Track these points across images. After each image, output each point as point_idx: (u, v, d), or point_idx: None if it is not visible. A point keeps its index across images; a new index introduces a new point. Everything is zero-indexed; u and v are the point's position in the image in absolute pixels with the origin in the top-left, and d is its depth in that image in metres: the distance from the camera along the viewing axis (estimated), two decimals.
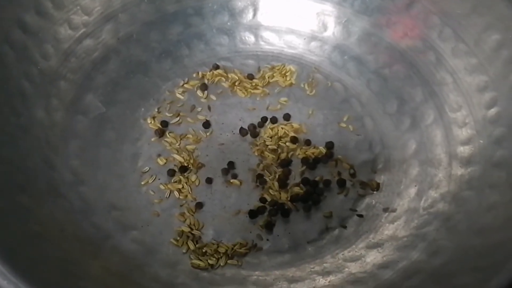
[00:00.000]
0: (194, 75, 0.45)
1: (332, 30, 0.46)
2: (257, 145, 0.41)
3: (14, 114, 0.34)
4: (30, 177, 0.32)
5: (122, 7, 0.42)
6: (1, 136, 0.32)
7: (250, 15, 0.47)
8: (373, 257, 0.34)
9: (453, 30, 0.39)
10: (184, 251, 0.35)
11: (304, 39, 0.46)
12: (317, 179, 0.39)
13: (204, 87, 0.44)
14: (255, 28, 0.47)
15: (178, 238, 0.36)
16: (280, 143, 0.41)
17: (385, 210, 0.36)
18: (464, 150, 0.36)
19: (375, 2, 0.43)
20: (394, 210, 0.36)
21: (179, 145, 0.41)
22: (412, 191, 0.37)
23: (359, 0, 0.44)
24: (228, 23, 0.46)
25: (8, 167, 0.31)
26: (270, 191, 0.38)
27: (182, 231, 0.36)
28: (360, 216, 0.37)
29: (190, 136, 0.41)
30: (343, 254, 0.35)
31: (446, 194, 0.35)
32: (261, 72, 0.45)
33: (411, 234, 0.34)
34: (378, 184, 0.38)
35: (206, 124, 0.42)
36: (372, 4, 0.44)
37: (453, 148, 0.37)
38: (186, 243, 0.35)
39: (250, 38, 0.47)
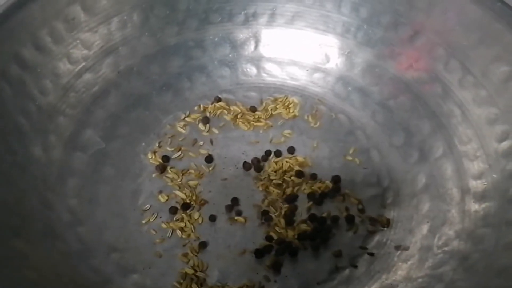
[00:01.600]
0: (196, 108, 0.44)
1: (335, 62, 0.45)
2: (261, 180, 0.40)
3: (10, 152, 0.33)
4: (26, 220, 0.31)
5: (122, 40, 0.42)
6: None
7: (251, 47, 0.46)
8: None
9: (460, 61, 0.38)
10: None
11: (307, 70, 0.46)
12: (324, 215, 0.37)
13: (206, 120, 0.43)
14: (257, 60, 0.46)
15: (182, 281, 0.34)
16: (285, 177, 0.40)
17: (397, 248, 0.35)
18: (477, 185, 0.35)
19: (378, 33, 0.43)
20: (406, 248, 0.35)
21: (181, 180, 0.39)
22: (425, 227, 0.35)
23: (362, 32, 0.44)
24: (230, 55, 0.46)
25: (2, 210, 0.30)
26: (277, 228, 0.37)
27: (186, 273, 0.34)
28: (371, 254, 0.35)
29: (192, 171, 0.40)
30: None
31: (460, 231, 0.33)
32: (264, 104, 0.44)
33: (427, 274, 0.32)
34: (388, 220, 0.37)
35: (209, 159, 0.41)
36: (375, 35, 0.43)
37: (465, 182, 0.36)
38: (190, 286, 0.34)
39: (252, 70, 0.46)
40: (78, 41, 0.39)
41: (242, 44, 0.46)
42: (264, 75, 0.46)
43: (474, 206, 0.34)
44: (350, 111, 0.44)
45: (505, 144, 0.34)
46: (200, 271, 0.34)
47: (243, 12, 0.45)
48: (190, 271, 0.34)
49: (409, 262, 0.34)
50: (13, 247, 0.29)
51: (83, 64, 0.39)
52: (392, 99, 0.42)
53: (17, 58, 0.35)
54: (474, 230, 0.33)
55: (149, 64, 0.43)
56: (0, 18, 0.33)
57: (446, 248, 0.33)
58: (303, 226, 0.37)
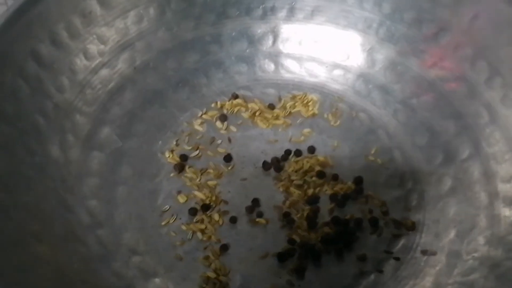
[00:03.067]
0: (213, 105, 0.43)
1: (355, 58, 0.44)
2: (281, 180, 0.39)
3: (28, 153, 0.32)
4: (46, 223, 0.30)
5: (138, 35, 0.41)
6: (16, 179, 0.30)
7: (269, 42, 0.45)
8: None
9: (488, 61, 0.37)
10: None
11: (326, 67, 0.45)
12: (347, 217, 0.37)
13: (223, 118, 0.42)
14: (275, 56, 0.45)
15: (204, 285, 0.33)
16: (306, 178, 0.39)
17: (424, 252, 0.34)
18: (506, 189, 0.34)
19: (401, 30, 0.42)
20: (434, 253, 0.34)
21: (199, 180, 0.38)
22: (452, 232, 0.35)
23: (384, 28, 0.42)
24: (247, 51, 0.44)
25: (23, 214, 0.29)
26: (299, 231, 0.36)
27: (208, 277, 0.33)
28: (397, 259, 0.34)
29: (211, 170, 0.39)
30: None
31: (490, 237, 0.33)
32: (282, 101, 0.43)
33: (456, 281, 0.31)
34: (413, 223, 0.36)
35: (227, 158, 0.40)
36: (398, 32, 0.42)
37: (493, 185, 0.35)
38: None
39: (270, 66, 0.45)
40: (94, 36, 0.38)
41: (260, 39, 0.45)
42: (283, 71, 0.45)
43: (504, 211, 0.33)
44: (371, 109, 0.43)
45: None
46: (223, 275, 0.34)
47: (261, 6, 0.44)
48: (213, 275, 0.33)
49: (437, 268, 0.33)
50: (36, 253, 0.28)
51: (100, 59, 0.38)
52: (414, 97, 0.41)
53: (34, 54, 0.34)
54: (505, 236, 0.32)
55: (166, 60, 0.42)
56: (16, 13, 0.32)
57: (475, 254, 0.32)
58: (326, 229, 0.36)
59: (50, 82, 0.35)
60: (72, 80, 0.36)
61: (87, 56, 0.37)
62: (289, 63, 0.45)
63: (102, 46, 0.38)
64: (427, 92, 0.41)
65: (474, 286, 0.31)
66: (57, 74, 0.35)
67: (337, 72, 0.44)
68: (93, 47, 0.38)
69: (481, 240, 0.33)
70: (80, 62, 0.37)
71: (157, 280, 0.33)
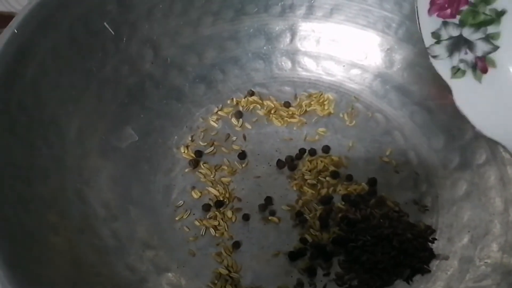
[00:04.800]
0: (229, 102, 0.43)
1: (373, 58, 0.44)
2: (295, 179, 0.39)
3: (47, 145, 0.32)
4: (63, 215, 0.31)
5: (159, 31, 0.41)
6: (34, 171, 0.30)
7: (287, 39, 0.45)
8: None
9: None
10: None
11: (343, 66, 0.44)
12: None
13: (239, 115, 0.42)
14: (292, 54, 0.45)
15: (216, 282, 0.33)
16: (319, 177, 0.39)
17: (436, 257, 0.34)
18: None
19: None
20: (446, 258, 0.34)
21: (213, 177, 0.39)
22: (465, 237, 0.34)
23: (403, 28, 0.42)
24: (264, 48, 0.44)
25: (40, 205, 0.29)
26: (311, 230, 0.36)
27: (220, 274, 0.34)
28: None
29: (225, 167, 0.39)
30: None
31: (504, 243, 0.32)
32: (298, 99, 0.43)
33: (468, 287, 0.31)
34: (427, 227, 0.36)
35: (242, 155, 0.40)
36: (417, 33, 0.41)
37: (509, 192, 0.35)
38: (225, 287, 0.33)
39: (286, 63, 0.45)
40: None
41: (277, 36, 0.45)
42: (299, 69, 0.45)
43: None
44: (388, 110, 0.42)
45: None
46: (234, 272, 0.34)
47: (280, 3, 0.44)
48: (224, 272, 0.34)
49: (448, 273, 0.33)
50: (53, 244, 0.28)
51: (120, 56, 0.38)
52: (432, 99, 0.41)
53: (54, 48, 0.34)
54: None
55: (183, 55, 0.42)
56: (37, 7, 0.32)
57: (488, 261, 0.32)
58: (338, 230, 0.36)
59: None
60: None
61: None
62: (306, 61, 0.45)
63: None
64: (445, 95, 0.41)
65: None
66: None
67: (354, 72, 0.44)
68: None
69: (494, 246, 0.33)
70: None
71: (170, 274, 0.33)
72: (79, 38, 0.35)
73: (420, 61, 0.42)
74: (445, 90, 0.40)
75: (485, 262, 0.32)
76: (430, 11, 0.33)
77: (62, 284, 0.26)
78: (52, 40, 0.33)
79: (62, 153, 0.33)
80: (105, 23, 0.36)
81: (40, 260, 0.27)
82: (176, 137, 0.40)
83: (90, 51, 0.36)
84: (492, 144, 0.37)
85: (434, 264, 0.34)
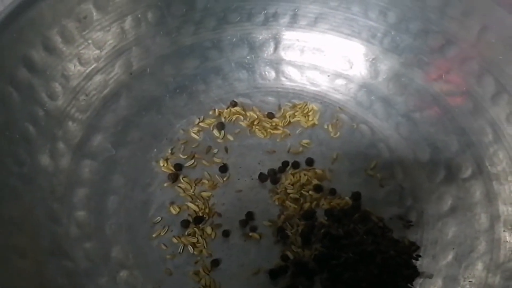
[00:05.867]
0: (211, 113, 0.42)
1: (358, 68, 0.43)
2: (277, 193, 0.38)
3: (17, 163, 0.31)
4: (32, 237, 0.29)
5: (135, 40, 0.40)
6: (2, 191, 0.29)
7: (271, 49, 0.44)
8: None
9: (494, 77, 0.36)
10: None
11: (328, 76, 0.43)
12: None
13: (221, 126, 0.41)
14: (276, 63, 0.44)
15: None
16: (302, 191, 0.38)
17: (420, 274, 0.33)
18: (508, 211, 0.33)
19: (406, 40, 0.40)
20: (430, 276, 0.33)
21: (193, 191, 0.38)
22: (450, 254, 0.34)
23: (389, 38, 0.41)
24: (248, 57, 0.43)
25: (8, 228, 0.28)
26: (293, 247, 0.35)
27: None
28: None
29: (205, 181, 0.38)
30: None
31: (489, 262, 0.31)
32: (282, 110, 0.42)
33: None
34: (411, 243, 0.35)
35: (223, 168, 0.39)
36: (403, 42, 0.41)
37: (495, 207, 0.34)
38: None
39: (270, 73, 0.44)
40: (89, 41, 0.37)
41: (261, 45, 0.44)
42: (283, 79, 0.44)
43: (505, 236, 0.32)
44: (373, 121, 0.42)
45: None
46: None
47: (263, 12, 0.43)
48: None
49: None
50: (19, 268, 0.27)
51: (94, 65, 0.38)
52: (418, 111, 0.40)
53: (26, 60, 0.33)
54: (504, 262, 0.31)
55: (163, 65, 0.41)
56: (8, 18, 0.31)
57: (472, 280, 0.31)
58: (320, 247, 0.35)
59: (42, 88, 0.34)
60: (65, 86, 0.36)
61: (82, 61, 0.37)
62: (290, 71, 0.44)
63: (98, 51, 0.38)
64: (431, 106, 0.40)
65: None
66: (49, 80, 0.35)
67: (339, 82, 0.43)
68: (88, 53, 0.37)
69: (479, 265, 0.32)
70: (74, 68, 0.36)
71: None
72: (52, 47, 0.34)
73: (406, 71, 0.41)
74: (431, 101, 0.40)
75: (470, 282, 0.31)
76: None
77: None
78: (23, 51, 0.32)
79: (34, 171, 0.32)
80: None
81: (4, 285, 0.26)
82: (155, 149, 0.39)
83: (63, 60, 0.35)
84: (478, 158, 0.36)
85: (417, 282, 0.33)
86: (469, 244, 0.33)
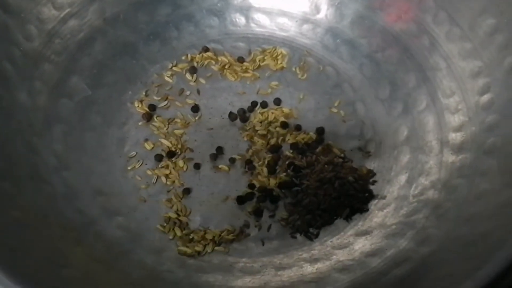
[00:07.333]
0: (183, 58, 0.44)
1: (324, 13, 0.44)
2: (246, 130, 0.40)
3: None
4: (12, 163, 0.32)
5: None
6: None
7: None
8: (361, 245, 0.34)
9: (448, 13, 0.38)
10: (170, 237, 0.35)
11: (296, 21, 0.45)
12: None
13: (193, 70, 0.43)
14: (246, 10, 0.45)
15: (165, 225, 0.35)
16: (270, 128, 0.40)
17: (375, 197, 0.36)
18: (455, 137, 0.35)
19: None
20: (383, 197, 0.36)
21: (167, 129, 0.40)
22: (403, 178, 0.36)
23: None
24: (218, 4, 0.45)
25: None
26: (259, 177, 0.38)
27: (169, 217, 0.35)
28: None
29: (178, 120, 0.40)
30: (331, 242, 0.34)
31: (436, 181, 0.34)
32: (252, 55, 0.44)
33: (400, 222, 0.33)
34: (368, 171, 0.37)
35: (195, 108, 0.41)
36: None
37: (445, 134, 0.36)
38: (173, 229, 0.35)
39: (240, 20, 0.45)
40: None
41: None
42: (253, 25, 0.46)
43: (452, 158, 0.35)
44: (338, 63, 0.44)
45: (485, 97, 0.34)
46: (183, 216, 0.36)
47: None
48: (174, 216, 0.35)
49: (385, 210, 0.35)
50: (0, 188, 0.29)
51: (68, 9, 0.39)
52: (380, 51, 0.42)
53: (1, 2, 0.34)
54: (449, 180, 0.33)
55: (136, 12, 0.43)
56: None
57: (421, 197, 0.34)
58: (284, 176, 0.37)
59: (18, 30, 0.36)
60: (40, 29, 0.37)
61: (56, 5, 0.38)
62: (259, 17, 0.46)
63: None
64: (392, 46, 0.42)
65: (415, 225, 0.32)
66: (24, 22, 0.36)
67: (307, 27, 0.45)
68: None
69: (427, 184, 0.34)
70: (49, 11, 0.38)
71: (120, 218, 0.35)
72: None
73: (369, 14, 0.43)
74: (392, 41, 0.42)
75: (418, 199, 0.34)
76: None
77: (5, 226, 0.28)
78: None
79: (12, 106, 0.34)
80: None
81: None
82: (130, 92, 0.41)
83: (37, 4, 0.36)
84: (433, 91, 0.38)
85: (372, 203, 0.36)
86: (420, 168, 0.36)
